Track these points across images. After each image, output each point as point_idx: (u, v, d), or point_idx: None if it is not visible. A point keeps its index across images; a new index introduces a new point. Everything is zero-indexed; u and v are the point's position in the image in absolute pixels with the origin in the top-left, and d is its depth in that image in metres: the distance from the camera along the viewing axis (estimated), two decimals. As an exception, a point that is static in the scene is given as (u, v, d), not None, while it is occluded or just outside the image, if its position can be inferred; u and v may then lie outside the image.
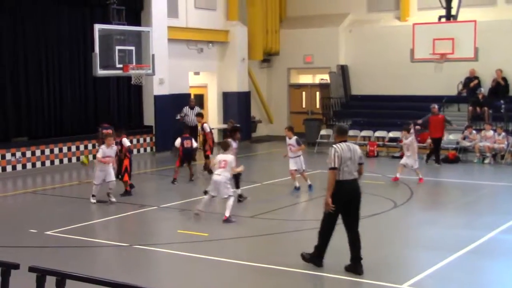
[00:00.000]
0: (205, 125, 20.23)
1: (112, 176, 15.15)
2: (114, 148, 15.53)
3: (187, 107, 23.32)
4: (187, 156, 18.40)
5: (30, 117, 21.41)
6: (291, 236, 12.62)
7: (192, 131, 22.37)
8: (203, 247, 11.68)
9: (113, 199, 15.07)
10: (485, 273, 10.47)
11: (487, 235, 12.36)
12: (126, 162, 16.06)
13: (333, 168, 9.59)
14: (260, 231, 12.91)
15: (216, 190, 13.24)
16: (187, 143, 18.25)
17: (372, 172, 20.04)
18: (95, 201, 15.16)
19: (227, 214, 13.01)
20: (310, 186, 16.83)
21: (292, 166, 16.69)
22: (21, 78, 21.03)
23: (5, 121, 20.67)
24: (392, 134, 24.82)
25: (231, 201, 13.22)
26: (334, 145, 9.82)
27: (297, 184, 16.76)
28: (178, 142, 18.34)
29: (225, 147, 13.83)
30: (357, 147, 10.06)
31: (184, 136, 18.58)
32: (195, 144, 18.80)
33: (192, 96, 27.20)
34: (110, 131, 17.99)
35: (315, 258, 10.02)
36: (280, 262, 10.60)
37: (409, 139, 18.18)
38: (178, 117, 23.35)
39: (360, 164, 9.97)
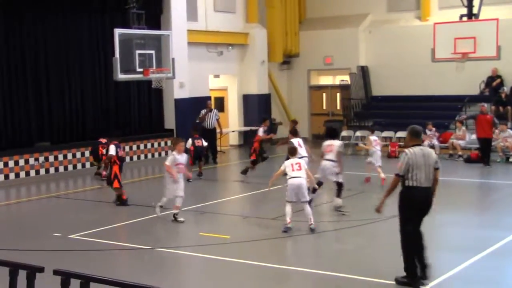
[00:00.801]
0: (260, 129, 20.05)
1: (181, 191, 13.72)
2: (185, 156, 14.41)
3: (205, 109, 23.37)
4: (199, 153, 19.27)
5: (52, 122, 21.57)
6: (311, 238, 12.60)
7: (210, 134, 22.77)
8: (224, 249, 11.73)
9: (181, 219, 13.70)
10: (510, 274, 10.39)
11: (505, 236, 12.27)
12: (115, 168, 15.21)
13: (398, 175, 9.25)
14: (280, 233, 12.90)
15: (295, 195, 12.52)
16: (198, 143, 19.22)
17: (394, 172, 19.95)
18: (160, 213, 14.05)
19: (313, 221, 12.51)
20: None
21: None
22: (43, 83, 21.20)
23: (28, 126, 20.86)
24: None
25: (309, 207, 12.73)
26: (406, 149, 9.34)
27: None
28: (189, 142, 18.88)
29: (293, 152, 13.30)
30: (431, 151, 9.53)
31: (194, 136, 19.46)
32: (205, 143, 19.50)
33: (213, 99, 27.33)
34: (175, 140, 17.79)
35: (411, 279, 9.21)
36: (299, 264, 10.65)
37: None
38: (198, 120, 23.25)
39: (436, 169, 9.21)
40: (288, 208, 12.50)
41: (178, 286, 9.76)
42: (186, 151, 16.97)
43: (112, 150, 15.38)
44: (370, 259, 10.92)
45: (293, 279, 10.14)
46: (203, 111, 23.32)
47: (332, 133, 15.03)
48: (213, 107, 24.07)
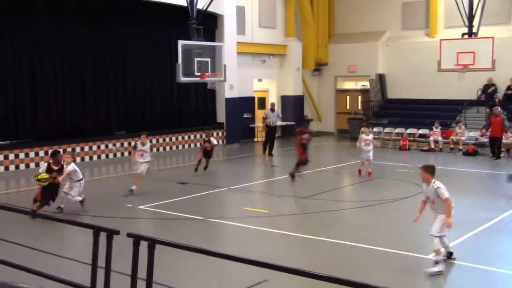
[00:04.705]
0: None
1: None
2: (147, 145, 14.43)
3: (269, 109, 22.70)
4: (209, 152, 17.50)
5: (127, 116, 21.99)
6: (333, 214, 12.61)
7: (272, 130, 22.07)
8: (264, 221, 11.78)
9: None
10: (500, 246, 10.29)
11: (499, 216, 12.15)
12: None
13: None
14: (310, 209, 12.95)
15: None
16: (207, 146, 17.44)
17: (405, 162, 19.80)
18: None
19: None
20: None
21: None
22: (120, 85, 21.68)
23: (108, 119, 21.29)
24: (421, 131, 24.64)
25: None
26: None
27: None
28: (214, 142, 17.76)
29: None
30: None
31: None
32: (214, 142, 17.82)
33: (256, 100, 27.39)
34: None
35: None
36: (324, 234, 10.68)
37: (371, 136, 17.22)
38: (264, 116, 22.33)
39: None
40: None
41: (223, 249, 9.87)
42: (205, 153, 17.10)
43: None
44: (383, 233, 10.92)
45: (320, 247, 10.17)
46: (267, 111, 22.62)
47: None
48: (276, 108, 23.11)
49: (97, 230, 5.32)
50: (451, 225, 8.56)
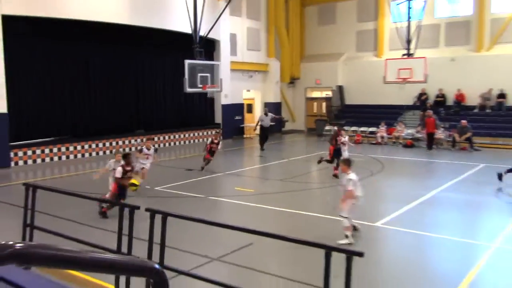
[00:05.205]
0: None
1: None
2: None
3: (263, 113, 21.76)
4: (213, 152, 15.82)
5: (146, 117, 21.84)
6: (308, 193, 12.64)
7: (266, 131, 21.08)
8: (250, 198, 11.78)
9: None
10: (429, 216, 10.36)
11: (430, 193, 12.23)
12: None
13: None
14: (286, 189, 12.95)
15: None
16: (214, 147, 15.73)
17: (359, 153, 19.86)
18: None
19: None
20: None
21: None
22: (140, 94, 21.51)
23: (130, 120, 21.14)
24: (371, 129, 24.75)
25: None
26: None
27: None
28: (209, 140, 15.93)
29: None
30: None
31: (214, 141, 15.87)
32: (220, 145, 16.46)
33: (245, 106, 27.27)
34: None
35: None
36: (301, 208, 10.70)
37: (347, 138, 15.47)
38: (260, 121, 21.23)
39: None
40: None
41: (220, 219, 9.85)
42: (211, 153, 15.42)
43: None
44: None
45: (295, 218, 10.19)
46: (261, 115, 21.70)
47: None
48: (269, 112, 21.79)
49: (121, 206, 5.28)
50: (343, 209, 8.11)
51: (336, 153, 14.41)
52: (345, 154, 14.99)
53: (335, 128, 15.84)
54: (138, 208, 5.17)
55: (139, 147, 13.70)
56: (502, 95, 23.69)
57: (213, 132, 19.29)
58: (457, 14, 25.73)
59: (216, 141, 15.78)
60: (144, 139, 13.64)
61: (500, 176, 13.38)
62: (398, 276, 7.02)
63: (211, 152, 15.78)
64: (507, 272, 7.06)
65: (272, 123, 22.70)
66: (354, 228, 8.52)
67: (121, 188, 9.81)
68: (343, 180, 8.40)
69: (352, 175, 8.29)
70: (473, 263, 7.30)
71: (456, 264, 7.38)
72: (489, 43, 24.72)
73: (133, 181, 10.08)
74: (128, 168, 9.91)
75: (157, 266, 1.51)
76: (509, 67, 23.69)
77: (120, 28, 19.53)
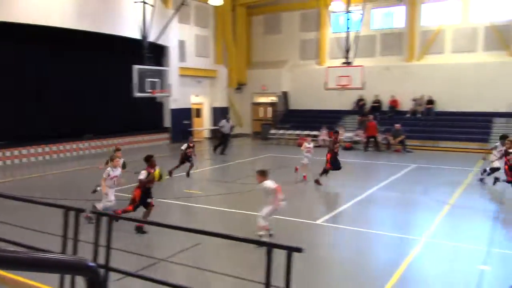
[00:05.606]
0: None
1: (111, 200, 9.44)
2: (119, 170, 9.63)
3: (224, 120, 21.42)
4: (188, 159, 14.91)
5: (95, 122, 21.16)
6: (253, 193, 12.69)
7: (227, 136, 20.83)
8: (199, 200, 11.70)
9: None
10: (366, 213, 10.67)
11: (366, 192, 12.59)
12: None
13: None
14: (235, 190, 12.94)
15: None
16: (189, 152, 14.90)
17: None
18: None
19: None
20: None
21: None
22: (89, 99, 20.75)
23: (78, 125, 20.38)
24: (313, 133, 25.07)
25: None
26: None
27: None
28: (184, 146, 15.01)
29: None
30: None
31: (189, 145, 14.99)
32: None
33: (194, 111, 26.99)
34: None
35: None
36: (246, 208, 10.72)
37: (312, 144, 14.86)
38: (218, 127, 21.24)
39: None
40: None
41: (168, 221, 9.71)
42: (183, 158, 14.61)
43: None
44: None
45: (237, 217, 10.20)
46: (223, 121, 21.26)
47: None
48: (230, 119, 21.91)
49: (66, 209, 5.08)
50: (264, 211, 8.19)
51: (334, 160, 13.49)
52: (307, 160, 14.16)
53: (324, 134, 15.20)
54: (83, 211, 5.00)
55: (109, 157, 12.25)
56: (430, 101, 24.91)
57: (164, 136, 18.91)
58: (391, 26, 26.83)
59: (191, 144, 14.91)
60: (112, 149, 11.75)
61: (485, 178, 13.81)
62: (337, 270, 7.20)
63: (186, 157, 14.69)
64: (434, 262, 7.43)
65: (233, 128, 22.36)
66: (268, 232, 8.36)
67: (147, 191, 9.01)
68: (261, 188, 8.25)
69: (268, 183, 8.16)
70: (405, 256, 7.61)
71: (390, 257, 7.67)
72: (420, 54, 25.94)
73: (156, 173, 9.13)
74: (152, 171, 9.05)
75: (91, 264, 1.48)
76: (437, 76, 24.97)
77: (71, 33, 18.83)
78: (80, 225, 4.96)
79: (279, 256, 3.68)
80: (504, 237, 8.87)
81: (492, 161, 13.77)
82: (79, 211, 4.90)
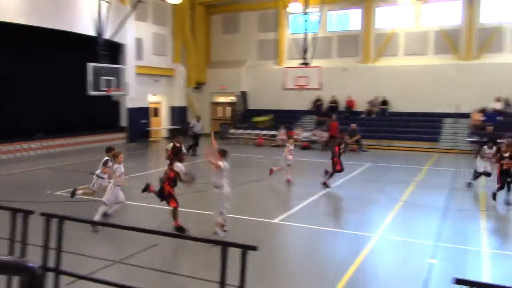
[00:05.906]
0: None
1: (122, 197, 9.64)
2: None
3: (195, 120, 21.31)
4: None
5: (47, 120, 20.42)
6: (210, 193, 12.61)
7: (198, 136, 20.66)
8: (157, 200, 11.49)
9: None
10: (322, 211, 10.87)
11: (323, 190, 12.81)
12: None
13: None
14: (194, 189, 12.81)
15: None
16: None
17: (262, 155, 20.31)
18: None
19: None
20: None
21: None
22: (41, 97, 19.97)
23: (29, 123, 19.60)
24: (272, 132, 25.31)
25: None
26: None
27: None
28: (170, 145, 13.80)
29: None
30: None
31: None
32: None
33: (151, 110, 26.59)
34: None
35: None
36: (204, 208, 10.66)
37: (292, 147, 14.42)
38: (191, 125, 21.10)
39: None
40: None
41: (128, 222, 9.51)
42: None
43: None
44: (245, 204, 11.12)
45: (198, 217, 10.11)
46: (194, 121, 21.15)
47: None
48: (200, 119, 21.71)
49: (14, 211, 4.87)
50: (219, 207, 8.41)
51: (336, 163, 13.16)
52: (290, 162, 13.89)
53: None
54: (32, 212, 4.81)
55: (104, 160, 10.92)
56: (385, 102, 25.65)
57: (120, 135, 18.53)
58: (347, 29, 27.40)
59: (178, 144, 13.73)
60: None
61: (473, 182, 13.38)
62: (293, 268, 7.29)
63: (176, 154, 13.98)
64: (387, 257, 7.66)
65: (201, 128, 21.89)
66: (222, 227, 8.43)
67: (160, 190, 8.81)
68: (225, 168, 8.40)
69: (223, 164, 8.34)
70: (359, 251, 7.80)
71: (345, 253, 7.85)
72: (374, 56, 26.65)
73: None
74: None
75: (31, 264, 1.42)
76: (391, 78, 25.74)
77: (21, 28, 18.06)
78: (28, 228, 4.77)
79: (235, 254, 3.68)
80: (450, 231, 9.26)
81: (480, 166, 13.25)
82: (27, 213, 4.72)
